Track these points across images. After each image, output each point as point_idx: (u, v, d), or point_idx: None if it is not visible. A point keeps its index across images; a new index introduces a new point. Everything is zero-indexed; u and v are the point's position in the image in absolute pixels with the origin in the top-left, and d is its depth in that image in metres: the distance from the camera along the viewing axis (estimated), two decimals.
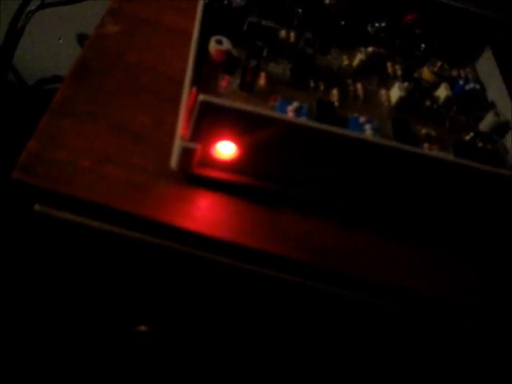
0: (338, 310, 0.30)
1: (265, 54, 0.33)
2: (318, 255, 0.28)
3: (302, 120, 0.28)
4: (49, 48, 0.61)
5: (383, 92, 0.35)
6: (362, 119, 0.31)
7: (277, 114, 0.27)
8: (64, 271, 0.31)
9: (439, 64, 0.37)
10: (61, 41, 0.60)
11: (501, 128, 0.36)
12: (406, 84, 0.34)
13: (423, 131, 0.33)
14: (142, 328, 0.35)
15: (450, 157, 0.31)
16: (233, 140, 0.27)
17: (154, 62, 0.33)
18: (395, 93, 0.34)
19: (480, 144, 0.35)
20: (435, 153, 0.29)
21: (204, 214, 0.28)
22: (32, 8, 0.53)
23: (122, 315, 0.35)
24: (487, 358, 0.32)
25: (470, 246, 0.32)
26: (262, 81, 0.32)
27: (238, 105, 0.26)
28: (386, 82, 0.35)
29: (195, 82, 0.30)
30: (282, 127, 0.27)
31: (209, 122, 0.27)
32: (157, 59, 0.33)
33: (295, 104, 0.30)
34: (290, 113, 0.30)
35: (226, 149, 0.28)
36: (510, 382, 0.32)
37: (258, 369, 0.36)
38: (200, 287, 0.31)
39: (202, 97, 0.26)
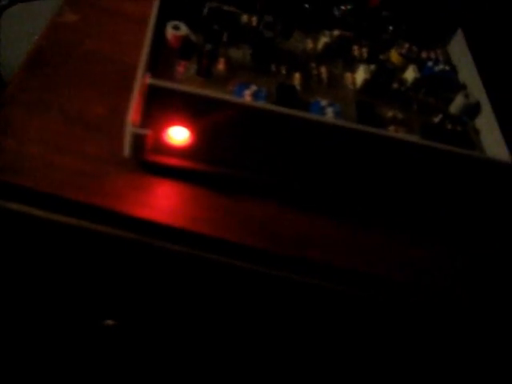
0: (297, 297, 0.29)
1: (225, 39, 0.33)
2: (276, 242, 0.27)
3: (253, 102, 0.27)
4: (24, 45, 0.60)
5: (348, 75, 0.34)
6: (323, 103, 0.31)
7: (227, 97, 0.26)
8: (20, 265, 0.31)
9: (407, 46, 0.36)
10: (36, 37, 0.59)
11: (471, 110, 0.35)
12: (371, 66, 0.33)
13: (389, 114, 0.33)
14: (109, 322, 0.35)
15: (412, 138, 0.30)
16: (185, 125, 0.27)
17: (112, 51, 0.32)
18: (360, 76, 0.33)
19: (449, 126, 0.34)
20: (395, 134, 0.28)
21: (158, 201, 0.27)
22: (4, 3, 0.52)
23: (86, 309, 0.34)
24: (463, 342, 0.31)
25: (438, 229, 0.31)
26: (221, 66, 0.31)
27: (186, 88, 0.25)
28: (352, 65, 0.35)
29: (151, 68, 0.29)
30: (234, 110, 0.26)
31: (158, 106, 0.26)
32: (115, 48, 0.32)
33: (253, 88, 0.30)
34: (247, 97, 0.29)
35: (178, 134, 0.27)
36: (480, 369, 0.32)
37: (224, 358, 0.35)
38: (160, 277, 0.30)
39: (149, 80, 0.25)
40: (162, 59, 0.31)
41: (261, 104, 0.26)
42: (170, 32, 0.31)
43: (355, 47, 0.36)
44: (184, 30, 0.31)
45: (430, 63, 0.36)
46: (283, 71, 0.32)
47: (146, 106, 0.25)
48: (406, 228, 0.30)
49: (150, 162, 0.28)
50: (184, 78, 0.30)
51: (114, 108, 0.30)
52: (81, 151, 0.28)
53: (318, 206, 0.29)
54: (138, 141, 0.27)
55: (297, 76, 0.32)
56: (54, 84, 0.30)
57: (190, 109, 0.26)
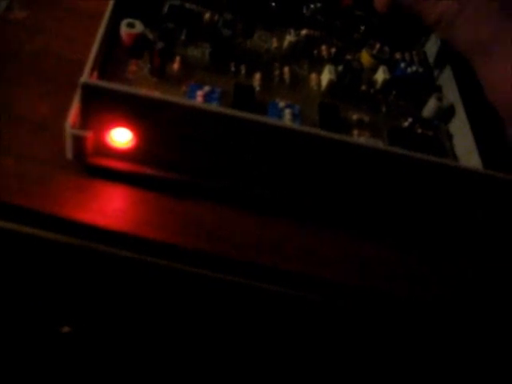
0: (249, 302, 0.28)
1: (183, 37, 0.31)
2: (225, 246, 0.26)
3: (196, 103, 0.26)
4: None
5: (314, 76, 0.32)
6: (281, 104, 0.29)
7: (168, 98, 0.24)
8: None
9: (378, 46, 0.34)
10: None
11: (444, 113, 0.33)
12: (337, 67, 0.32)
13: (355, 117, 0.31)
14: (66, 329, 0.34)
15: (371, 143, 0.29)
16: (127, 127, 0.25)
17: (62, 48, 0.31)
18: (326, 76, 0.32)
19: (419, 130, 0.32)
20: (350, 138, 0.27)
21: (103, 205, 0.26)
22: None
23: (42, 316, 0.33)
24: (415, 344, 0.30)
25: (395, 234, 0.29)
26: (176, 65, 0.30)
27: (121, 87, 0.24)
28: (319, 65, 0.33)
29: (102, 67, 0.28)
30: (177, 112, 0.24)
31: (97, 107, 0.25)
32: (66, 45, 0.31)
33: (206, 88, 0.28)
34: (199, 98, 0.28)
35: (121, 136, 0.26)
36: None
37: (176, 362, 0.33)
38: (108, 283, 0.29)
39: (82, 79, 0.24)
40: (114, 58, 0.29)
41: (200, 105, 0.25)
42: (123, 30, 0.30)
43: (324, 47, 0.34)
44: (139, 27, 0.30)
45: (402, 64, 0.34)
46: (243, 71, 0.31)
47: (83, 106, 0.24)
48: (363, 230, 0.29)
49: (93, 165, 0.26)
50: (135, 78, 0.29)
51: (61, 107, 0.28)
52: (25, 153, 0.27)
53: (275, 210, 0.28)
54: (79, 143, 0.25)
55: (257, 76, 0.31)
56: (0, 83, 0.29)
57: (130, 109, 0.24)
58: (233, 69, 0.31)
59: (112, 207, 0.26)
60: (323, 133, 0.25)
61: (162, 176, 0.27)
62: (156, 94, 0.25)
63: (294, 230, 0.27)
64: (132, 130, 0.25)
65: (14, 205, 0.26)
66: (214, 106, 0.25)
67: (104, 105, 0.24)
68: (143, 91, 0.24)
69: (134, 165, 0.27)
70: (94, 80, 0.24)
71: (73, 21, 0.32)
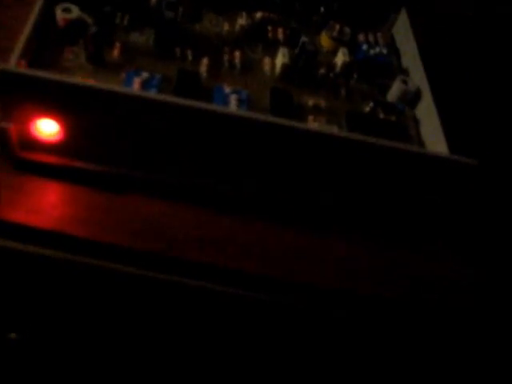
0: (189, 302, 0.26)
1: (126, 22, 0.29)
2: (163, 243, 0.24)
3: (124, 89, 0.24)
4: None
5: (268, 60, 0.30)
6: (227, 89, 0.27)
7: (95, 84, 0.22)
8: None
9: (338, 28, 0.32)
10: None
11: (410, 97, 0.31)
12: (291, 50, 0.30)
13: (310, 102, 0.29)
14: (13, 335, 0.32)
15: (323, 128, 0.27)
16: (52, 117, 0.23)
17: None
18: (279, 60, 0.30)
19: (382, 115, 0.30)
20: (299, 124, 0.25)
21: (31, 202, 0.24)
22: None
23: None
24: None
25: (364, 225, 0.27)
26: (116, 52, 0.28)
27: (45, 74, 0.22)
28: (274, 49, 0.31)
29: (36, 55, 0.26)
30: (106, 100, 0.23)
31: (18, 96, 0.23)
32: None
33: (145, 75, 0.26)
34: (136, 85, 0.26)
35: (46, 128, 0.24)
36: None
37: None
38: (41, 285, 0.27)
39: (1, 66, 0.22)
40: (51, 45, 0.28)
41: (127, 91, 0.23)
42: (59, 15, 0.28)
43: (280, 30, 0.32)
44: (75, 12, 0.28)
45: (364, 46, 0.32)
46: (189, 57, 0.29)
47: (3, 96, 0.22)
48: (316, 224, 0.27)
49: (20, 159, 0.25)
50: (71, 66, 0.27)
51: None
52: None
53: (219, 204, 0.26)
54: (2, 135, 0.24)
55: (204, 61, 0.29)
56: None
57: (53, 98, 0.23)
58: (178, 54, 0.29)
59: (41, 203, 0.25)
60: (265, 118, 0.23)
61: (95, 170, 0.25)
62: (83, 80, 0.23)
63: (239, 226, 0.25)
64: (58, 121, 0.23)
65: None
66: (144, 93, 0.23)
67: (25, 94, 0.22)
68: (65, 78, 0.22)
69: (63, 158, 0.25)
70: (13, 66, 0.22)
71: (3, 7, 0.30)
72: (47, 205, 0.25)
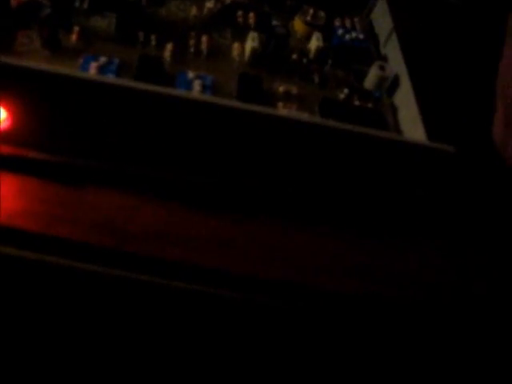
0: (154, 301, 0.24)
1: (85, 6, 0.28)
2: (122, 238, 0.23)
3: (76, 73, 0.22)
4: None
5: (237, 45, 0.29)
6: (191, 75, 0.26)
7: (42, 67, 0.21)
8: None
9: (311, 12, 0.31)
10: None
11: (387, 84, 0.30)
12: (261, 35, 0.29)
13: (281, 89, 0.28)
14: None
15: (292, 115, 0.25)
16: None
17: None
18: (249, 45, 0.28)
19: (357, 103, 0.29)
20: (268, 109, 0.23)
21: None
22: None
23: None
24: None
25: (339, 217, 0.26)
26: (74, 36, 0.26)
27: None
28: (244, 34, 0.30)
29: None
30: (57, 85, 0.21)
31: None
32: None
33: (103, 59, 0.25)
34: (92, 70, 0.24)
35: None
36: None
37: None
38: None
39: None
40: (4, 28, 0.26)
41: (79, 74, 0.22)
42: None
43: (251, 15, 0.31)
44: None
45: (340, 31, 0.31)
46: (153, 42, 0.27)
47: None
48: (289, 218, 0.25)
49: None
50: (25, 51, 0.26)
51: None
52: None
53: (183, 196, 0.24)
54: None
55: (168, 47, 0.27)
56: None
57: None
58: (142, 39, 0.27)
59: None
60: (228, 102, 0.21)
61: (48, 160, 0.23)
62: (28, 63, 0.22)
63: (203, 218, 0.24)
64: (4, 106, 0.22)
65: None
66: (98, 76, 0.22)
67: None
68: (12, 60, 0.21)
69: (13, 148, 0.23)
70: None
71: None
72: None
